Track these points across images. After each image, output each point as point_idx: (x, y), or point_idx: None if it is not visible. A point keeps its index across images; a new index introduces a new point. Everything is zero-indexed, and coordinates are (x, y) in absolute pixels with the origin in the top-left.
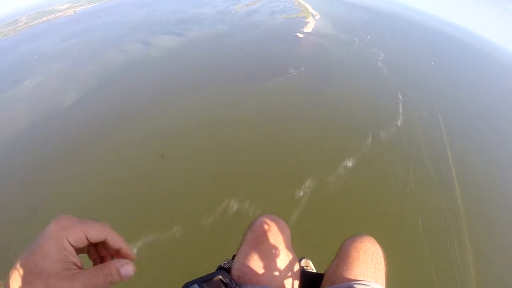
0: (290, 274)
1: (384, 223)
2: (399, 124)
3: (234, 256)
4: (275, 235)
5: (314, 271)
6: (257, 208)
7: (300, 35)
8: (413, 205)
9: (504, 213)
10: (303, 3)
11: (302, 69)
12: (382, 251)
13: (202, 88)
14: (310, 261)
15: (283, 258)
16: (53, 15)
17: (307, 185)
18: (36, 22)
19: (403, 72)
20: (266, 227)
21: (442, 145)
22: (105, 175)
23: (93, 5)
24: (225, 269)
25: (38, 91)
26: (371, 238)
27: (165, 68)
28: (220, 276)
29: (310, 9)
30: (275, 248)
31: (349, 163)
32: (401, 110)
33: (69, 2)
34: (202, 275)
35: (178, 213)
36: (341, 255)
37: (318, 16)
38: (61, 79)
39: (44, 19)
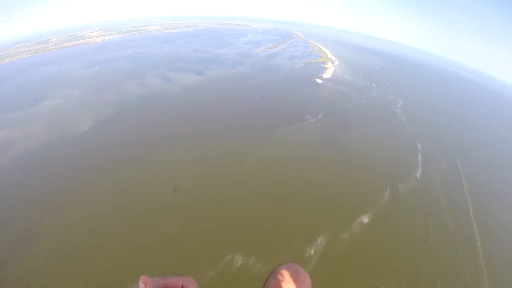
0: None
1: (400, 283)
2: (418, 175)
3: None
4: (296, 285)
5: None
6: (263, 265)
7: (319, 81)
8: (432, 264)
9: None
10: (322, 48)
11: (319, 116)
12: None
13: (218, 130)
14: None
15: None
16: (82, 40)
17: (319, 242)
18: (66, 44)
19: (422, 120)
20: (288, 276)
21: (463, 197)
22: (106, 216)
23: (122, 35)
24: None
25: (55, 113)
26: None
27: (182, 106)
28: None
29: (330, 55)
30: None
31: (365, 219)
32: (420, 160)
33: (99, 30)
34: None
35: (178, 262)
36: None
37: (337, 62)
38: (79, 104)
39: (73, 43)
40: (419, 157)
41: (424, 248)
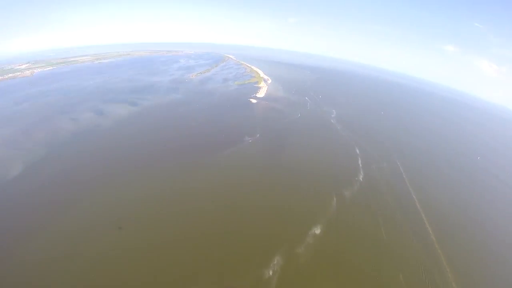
0: None
1: (363, 285)
2: (361, 179)
3: None
4: None
5: None
6: None
7: (254, 101)
8: (390, 259)
9: (482, 240)
10: (254, 68)
11: (257, 135)
12: None
13: (157, 162)
14: None
15: None
16: (10, 74)
17: (275, 262)
18: None
19: (356, 126)
20: None
21: (407, 190)
22: (47, 267)
23: (51, 68)
24: None
25: None
26: None
27: (117, 140)
28: None
29: (262, 74)
30: None
31: (317, 230)
32: (360, 164)
33: (27, 63)
34: None
35: None
36: None
37: (269, 81)
38: (9, 146)
39: (0, 78)
40: (359, 161)
41: (379, 246)
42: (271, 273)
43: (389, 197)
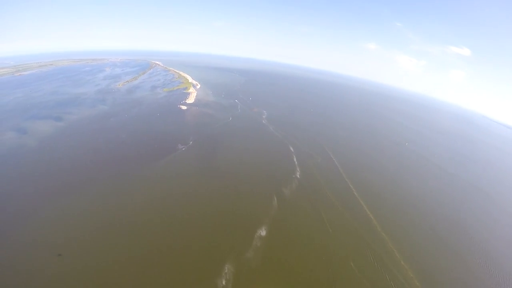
0: None
1: (319, 277)
2: (298, 175)
3: None
4: None
5: None
6: None
7: (184, 107)
8: (339, 249)
9: (419, 216)
10: (183, 74)
11: (190, 142)
12: None
13: (88, 179)
14: None
15: None
16: None
17: (226, 270)
18: None
19: (288, 125)
20: None
21: (343, 181)
22: None
23: None
24: None
25: None
26: None
27: (44, 160)
28: None
29: (190, 80)
30: None
31: (263, 232)
32: (296, 162)
33: None
34: None
35: None
36: None
37: (198, 86)
38: None
39: None
40: (295, 159)
41: (326, 238)
42: (224, 282)
43: (327, 190)
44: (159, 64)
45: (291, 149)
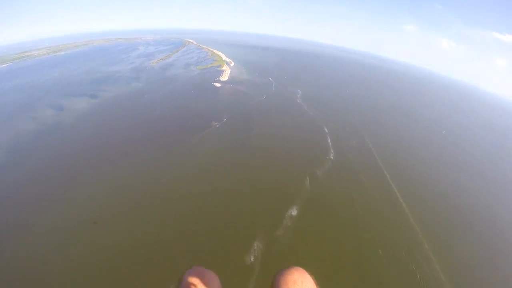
0: None
1: (345, 261)
2: (332, 157)
3: None
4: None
5: None
6: None
7: (218, 85)
8: (368, 234)
9: (455, 211)
10: (216, 52)
11: (224, 119)
12: (313, 278)
13: (122, 154)
14: None
15: None
16: None
17: (255, 247)
18: None
19: (323, 105)
20: (193, 282)
21: (378, 166)
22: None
23: (6, 65)
24: None
25: None
26: (299, 268)
27: (80, 135)
28: None
29: (224, 57)
30: None
31: (294, 212)
32: (330, 143)
33: None
34: None
35: None
36: None
37: (232, 64)
38: None
39: None
40: (329, 140)
41: (356, 223)
42: (252, 259)
43: (361, 174)
44: (192, 42)
45: (326, 129)
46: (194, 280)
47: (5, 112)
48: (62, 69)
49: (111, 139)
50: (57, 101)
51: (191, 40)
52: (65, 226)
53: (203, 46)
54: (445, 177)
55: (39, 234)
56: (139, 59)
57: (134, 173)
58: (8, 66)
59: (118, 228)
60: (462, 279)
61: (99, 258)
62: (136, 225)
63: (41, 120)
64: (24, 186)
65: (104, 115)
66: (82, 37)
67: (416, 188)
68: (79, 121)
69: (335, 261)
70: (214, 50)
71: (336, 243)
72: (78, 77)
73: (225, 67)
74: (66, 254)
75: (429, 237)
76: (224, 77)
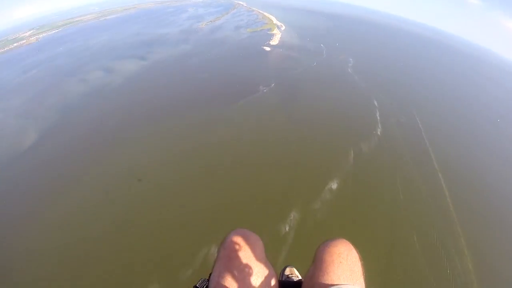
0: (266, 287)
1: (378, 244)
2: (379, 133)
3: (210, 275)
4: (247, 250)
5: (299, 277)
6: None
7: (267, 49)
8: (406, 218)
9: (501, 210)
10: (267, 15)
11: (272, 85)
12: (357, 252)
13: (171, 115)
14: (294, 269)
15: (258, 272)
16: (16, 44)
17: (292, 217)
18: None
19: (375, 77)
20: (237, 242)
21: (425, 148)
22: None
23: (56, 31)
24: None
25: None
26: (344, 240)
27: (128, 96)
28: None
29: (275, 21)
30: (249, 263)
31: (334, 185)
32: (378, 117)
33: (32, 29)
34: None
35: (153, 264)
36: (316, 261)
37: (283, 27)
38: (21, 116)
39: (6, 48)
40: (377, 114)
41: (395, 205)
42: (287, 228)
43: (407, 154)
44: (242, 4)
45: (375, 103)
46: (238, 240)
47: (57, 74)
48: (111, 32)
49: (158, 100)
50: (106, 64)
51: (241, 2)
52: (111, 181)
53: (254, 8)
54: (495, 171)
55: (88, 186)
56: (188, 21)
57: (180, 134)
58: (58, 32)
59: (161, 187)
60: (493, 283)
61: (142, 215)
62: (179, 187)
63: (90, 82)
64: (73, 143)
65: (152, 77)
66: (130, 0)
67: (462, 179)
68: (127, 82)
69: (369, 239)
70: (265, 13)
71: (373, 221)
72: (127, 39)
73: (275, 31)
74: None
75: (468, 232)
76: (274, 41)
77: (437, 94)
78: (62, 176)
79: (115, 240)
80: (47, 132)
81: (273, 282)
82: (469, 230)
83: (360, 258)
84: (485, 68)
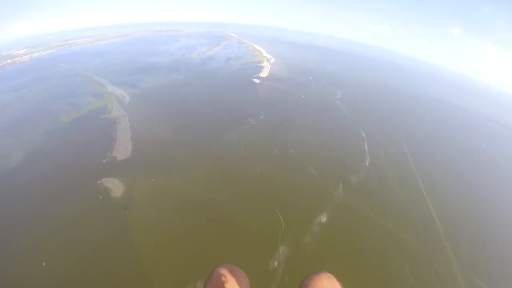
0: None
1: (370, 276)
2: (367, 164)
3: None
4: (234, 285)
5: None
6: None
7: (257, 81)
8: (397, 249)
9: (492, 236)
10: (257, 47)
11: (261, 117)
12: (341, 285)
13: (155, 144)
14: None
15: None
16: (9, 60)
17: (280, 252)
18: None
19: (362, 109)
20: (223, 277)
21: (414, 178)
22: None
23: (50, 51)
24: None
25: None
26: (327, 274)
27: (118, 123)
28: None
29: (265, 53)
30: None
31: (323, 218)
32: (367, 148)
33: (26, 47)
34: None
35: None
36: None
37: (272, 60)
38: (7, 135)
39: None
40: (366, 146)
41: (386, 236)
42: (276, 264)
43: (396, 185)
44: (233, 36)
45: (363, 134)
46: (224, 277)
47: (47, 96)
48: (104, 57)
49: (147, 128)
50: (96, 89)
51: (232, 34)
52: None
53: (245, 41)
54: (485, 198)
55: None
56: (180, 51)
57: (166, 165)
58: (52, 53)
59: (147, 217)
60: None
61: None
62: (165, 219)
63: (79, 106)
64: (56, 170)
65: (142, 105)
66: (124, 27)
67: (453, 206)
68: (117, 111)
69: (360, 272)
70: (255, 46)
71: (364, 254)
72: (119, 66)
73: (265, 63)
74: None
75: (459, 259)
76: (264, 73)
77: (424, 123)
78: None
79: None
80: (32, 154)
81: None
82: (461, 257)
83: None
84: (468, 95)
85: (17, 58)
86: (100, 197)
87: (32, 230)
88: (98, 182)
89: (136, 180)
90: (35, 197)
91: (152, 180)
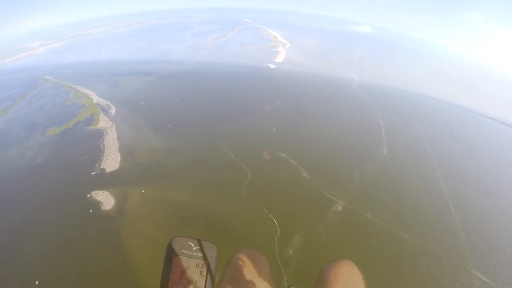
0: None
1: (383, 264)
2: (384, 152)
3: None
4: (253, 269)
5: None
6: None
7: (272, 66)
8: (413, 242)
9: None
10: (272, 32)
11: (277, 103)
12: (361, 273)
13: (175, 129)
14: None
15: None
16: (23, 53)
17: (296, 240)
18: (7, 60)
19: (380, 95)
20: (243, 261)
21: (431, 167)
22: None
23: (64, 42)
24: None
25: None
26: (348, 261)
27: (133, 110)
28: None
29: (279, 38)
30: (253, 282)
31: (339, 207)
32: (384, 136)
33: (40, 40)
34: None
35: None
36: (320, 281)
37: (288, 45)
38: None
39: (14, 57)
40: (383, 133)
41: (402, 228)
42: (291, 252)
43: (412, 174)
44: (248, 22)
45: (381, 122)
46: (244, 259)
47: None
48: (118, 46)
49: (162, 116)
50: (111, 78)
51: (246, 20)
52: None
53: (259, 26)
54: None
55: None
56: (194, 38)
57: (182, 147)
58: (66, 44)
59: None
60: None
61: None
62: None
63: (97, 93)
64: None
65: (157, 92)
66: (137, 15)
67: (470, 199)
68: (133, 96)
69: (373, 263)
70: (270, 31)
71: (379, 245)
72: (133, 54)
73: (280, 48)
74: None
75: (474, 253)
76: (279, 59)
77: (442, 111)
78: None
79: None
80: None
81: None
82: (476, 252)
83: (364, 278)
84: (489, 83)
85: (32, 51)
86: (91, 211)
87: (19, 250)
88: (88, 195)
89: (127, 191)
90: (22, 215)
91: (143, 191)
